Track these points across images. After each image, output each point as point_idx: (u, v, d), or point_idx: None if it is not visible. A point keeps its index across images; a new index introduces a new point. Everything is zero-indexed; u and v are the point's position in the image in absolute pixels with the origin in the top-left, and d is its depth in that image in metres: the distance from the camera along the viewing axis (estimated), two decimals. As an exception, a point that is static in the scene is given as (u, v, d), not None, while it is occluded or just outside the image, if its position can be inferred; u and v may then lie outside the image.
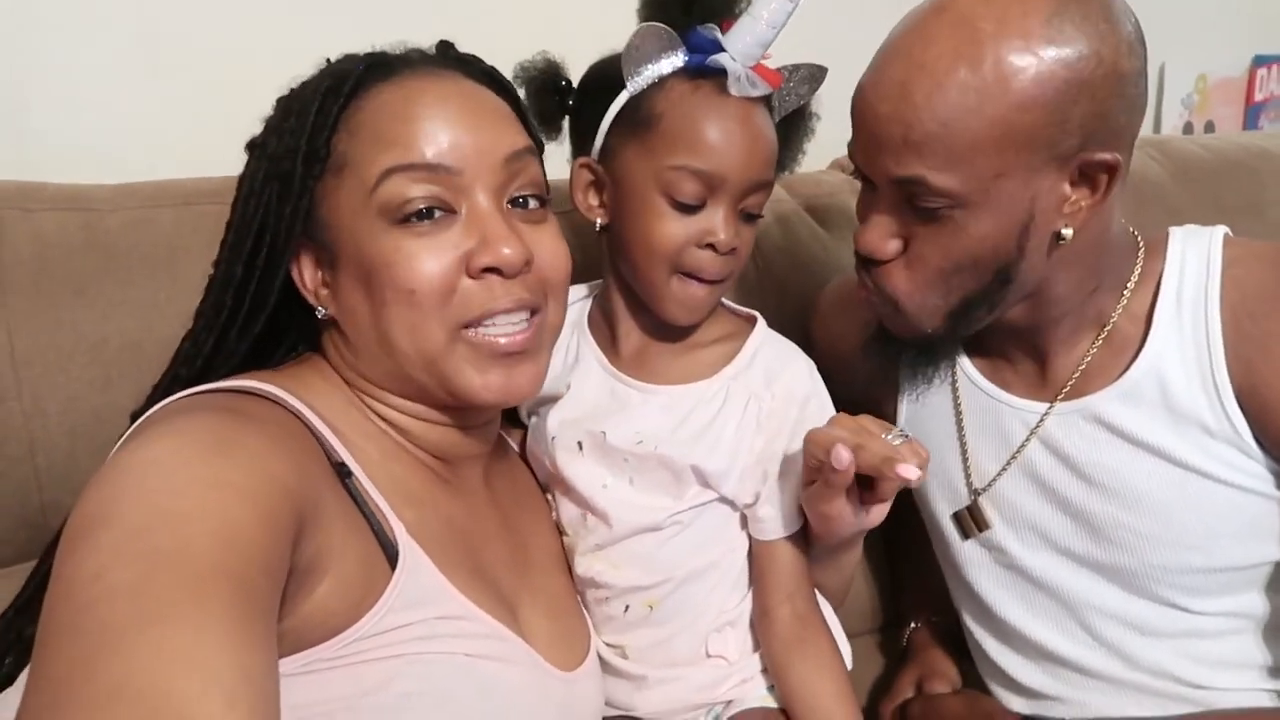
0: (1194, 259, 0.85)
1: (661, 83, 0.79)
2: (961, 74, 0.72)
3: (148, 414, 0.67)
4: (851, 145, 0.83)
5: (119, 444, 0.64)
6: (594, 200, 0.85)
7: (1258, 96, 1.95)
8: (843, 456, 0.72)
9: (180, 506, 0.56)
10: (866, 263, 0.84)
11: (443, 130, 0.70)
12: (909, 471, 0.70)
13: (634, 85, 0.80)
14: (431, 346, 0.71)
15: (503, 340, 0.72)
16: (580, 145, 0.86)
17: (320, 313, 0.74)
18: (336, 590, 0.64)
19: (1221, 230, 0.87)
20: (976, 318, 0.84)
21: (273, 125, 0.74)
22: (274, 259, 0.72)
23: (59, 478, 0.87)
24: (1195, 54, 1.88)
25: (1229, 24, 1.91)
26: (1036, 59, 0.71)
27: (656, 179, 0.79)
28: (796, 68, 0.83)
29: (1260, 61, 1.94)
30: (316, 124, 0.71)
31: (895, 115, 0.75)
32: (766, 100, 0.82)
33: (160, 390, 0.73)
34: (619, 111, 0.81)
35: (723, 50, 0.77)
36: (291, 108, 0.73)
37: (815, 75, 0.84)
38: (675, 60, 0.79)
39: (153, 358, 0.77)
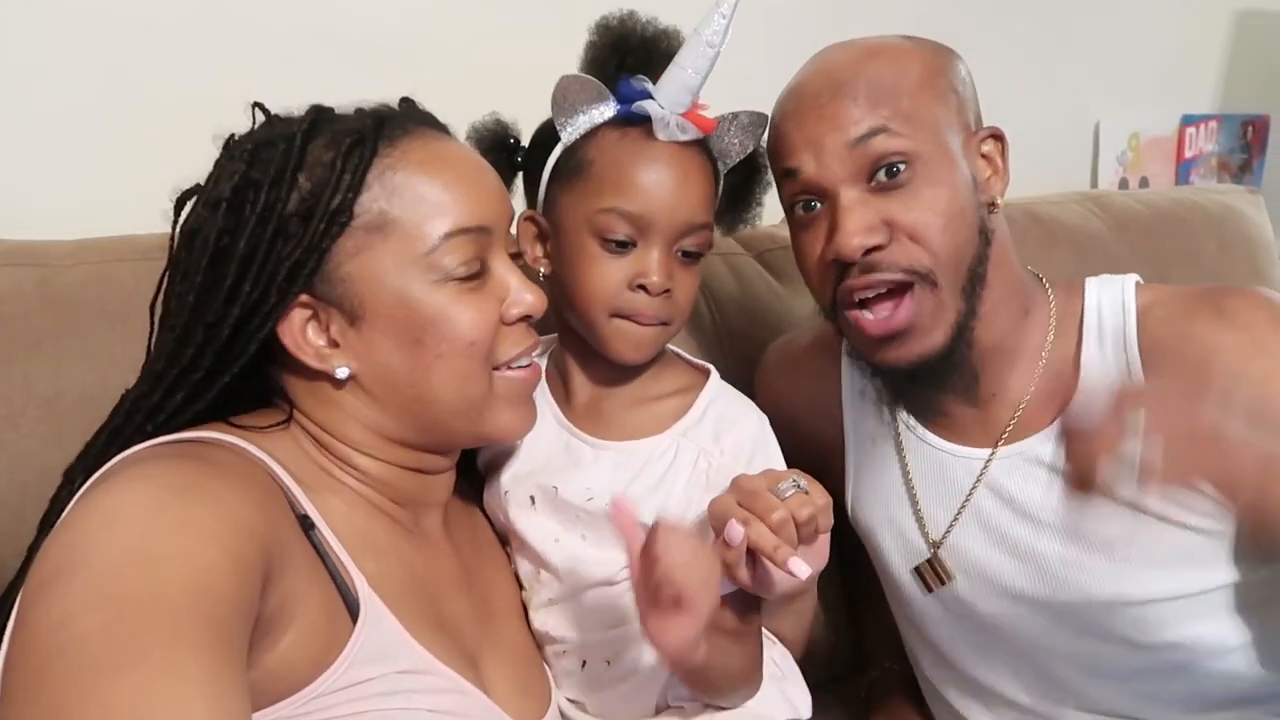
0: (1109, 305, 0.89)
1: (593, 132, 0.82)
2: (882, 57, 0.84)
3: (109, 464, 0.66)
4: (787, 165, 0.84)
5: (78, 495, 0.63)
6: (539, 251, 0.87)
7: (1187, 153, 2.04)
8: (734, 534, 0.70)
9: (149, 550, 0.56)
10: (864, 267, 0.82)
11: (478, 193, 0.75)
12: (797, 569, 0.67)
13: (567, 136, 0.83)
14: (477, 391, 0.75)
15: (527, 375, 0.79)
16: (531, 200, 0.89)
17: (342, 373, 0.72)
18: (300, 643, 0.63)
19: (1133, 278, 0.91)
20: (979, 301, 0.84)
21: (256, 181, 0.70)
22: (257, 314, 0.70)
23: (7, 535, 0.85)
24: (1128, 114, 1.96)
25: (1158, 86, 2.00)
26: (928, 52, 0.86)
27: (589, 223, 0.81)
28: (735, 115, 0.85)
29: (1188, 121, 2.03)
30: (341, 183, 0.70)
31: (843, 85, 0.82)
32: (705, 148, 0.84)
33: (99, 446, 0.71)
34: (555, 163, 0.84)
35: (651, 98, 0.80)
36: (284, 165, 0.70)
37: (756, 121, 0.86)
38: (606, 110, 0.82)
39: (107, 412, 0.75)
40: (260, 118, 0.77)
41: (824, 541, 0.75)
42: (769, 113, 0.87)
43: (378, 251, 0.71)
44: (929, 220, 0.81)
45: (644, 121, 0.80)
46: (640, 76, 0.81)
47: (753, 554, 0.70)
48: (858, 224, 0.80)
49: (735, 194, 0.90)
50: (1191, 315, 0.84)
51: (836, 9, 1.52)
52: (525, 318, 0.77)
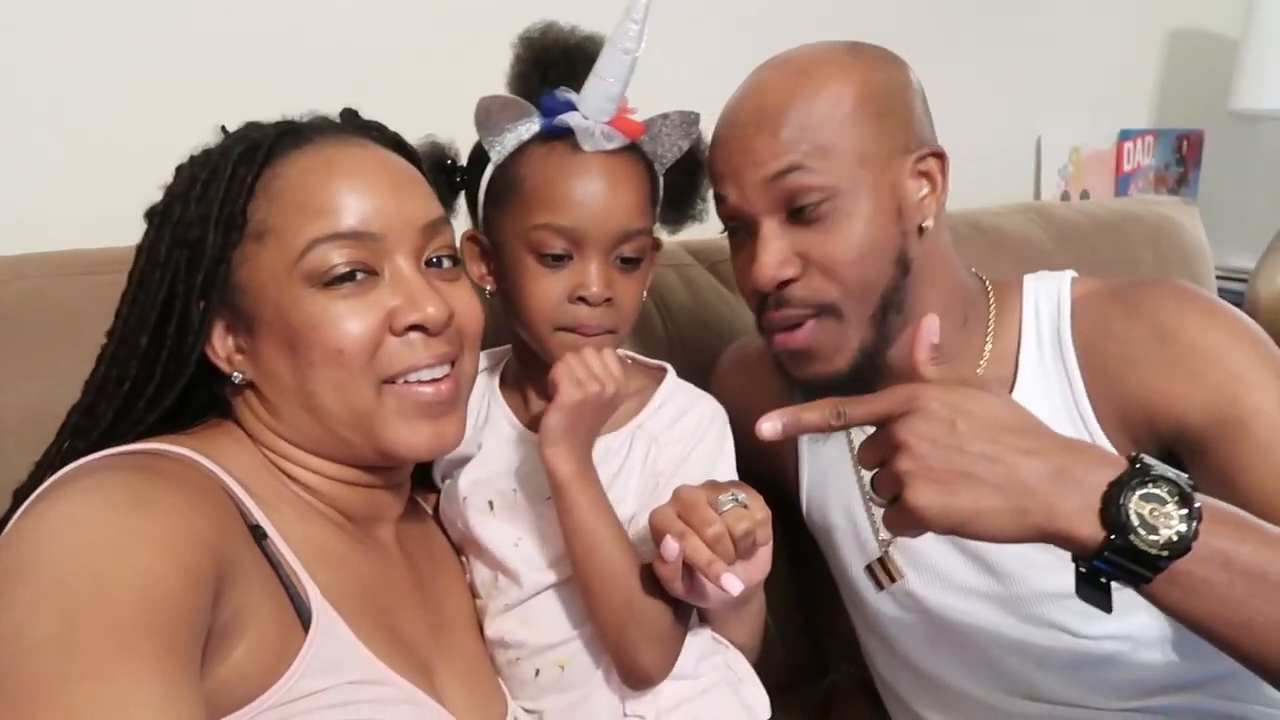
0: (1046, 301, 0.91)
1: (521, 149, 0.82)
2: (813, 83, 0.84)
3: (57, 475, 0.65)
4: (716, 190, 0.87)
5: (23, 508, 0.62)
6: (483, 269, 0.88)
7: (1126, 167, 2.10)
8: (669, 550, 0.71)
9: (100, 560, 0.55)
10: (777, 300, 0.85)
11: (364, 198, 0.72)
12: (729, 585, 0.69)
13: (496, 155, 0.83)
14: (360, 403, 0.72)
15: (428, 391, 0.74)
16: (474, 219, 0.89)
17: (237, 378, 0.73)
18: (252, 653, 0.62)
19: (1069, 273, 0.93)
20: (893, 326, 0.86)
21: (177, 193, 0.73)
22: (187, 329, 0.71)
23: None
24: (1068, 129, 2.02)
25: (1097, 102, 2.06)
26: (867, 71, 0.86)
27: (524, 240, 0.82)
28: (665, 116, 0.85)
29: (1126, 135, 2.09)
30: (231, 191, 0.71)
31: (766, 117, 0.83)
32: (638, 152, 0.84)
33: (47, 465, 0.71)
34: (488, 182, 0.85)
35: (575, 110, 0.80)
36: (198, 175, 0.72)
37: (688, 120, 0.86)
38: (531, 125, 0.82)
39: (50, 428, 0.74)
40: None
41: (764, 554, 0.77)
42: (701, 110, 0.87)
43: (260, 260, 0.71)
44: (840, 253, 0.83)
45: (570, 134, 0.80)
46: (564, 89, 0.81)
47: (689, 565, 0.71)
48: (771, 258, 0.83)
49: (676, 193, 0.90)
50: (1109, 309, 0.88)
51: (773, 9, 1.55)
52: (418, 328, 0.73)
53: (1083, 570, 0.67)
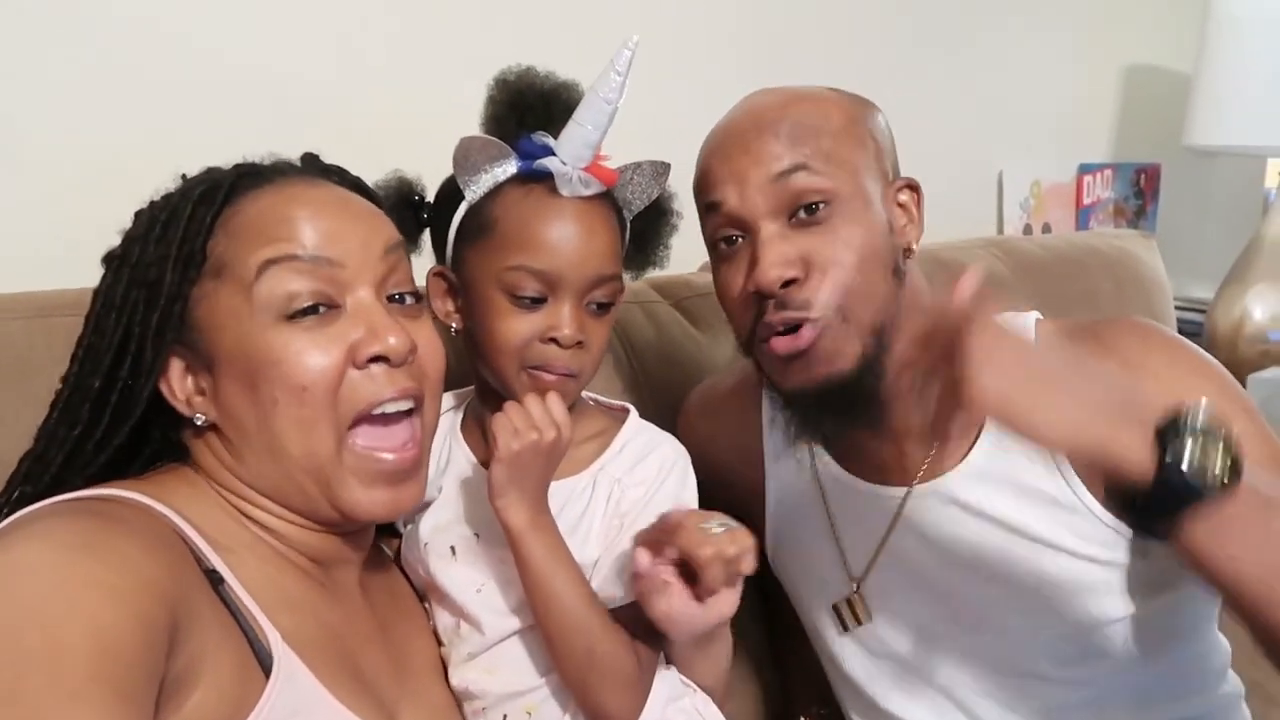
0: None
1: (497, 190, 0.82)
2: (806, 102, 0.87)
3: (5, 522, 0.64)
4: (711, 198, 0.86)
5: None
6: (450, 306, 0.87)
7: (1086, 200, 2.13)
8: (641, 563, 0.72)
9: (50, 609, 0.54)
10: (779, 303, 0.83)
11: (321, 225, 0.71)
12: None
13: (471, 194, 0.83)
14: (322, 449, 0.70)
15: (390, 457, 0.73)
16: (440, 256, 0.89)
17: (200, 420, 0.72)
18: (210, 702, 0.61)
19: (1034, 314, 0.94)
20: (889, 338, 0.86)
21: (135, 236, 0.73)
22: (140, 369, 0.70)
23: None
24: (1028, 163, 2.05)
25: (1057, 137, 2.10)
26: (849, 102, 0.90)
27: (497, 280, 0.81)
28: (638, 165, 0.86)
29: (1085, 169, 2.13)
30: (190, 230, 0.70)
31: (768, 124, 0.84)
32: (609, 198, 0.85)
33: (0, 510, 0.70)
34: (461, 221, 0.84)
35: (553, 155, 0.81)
36: (157, 217, 0.72)
37: (658, 170, 0.87)
38: (508, 167, 0.82)
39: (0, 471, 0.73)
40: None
41: (735, 589, 0.77)
42: (669, 161, 0.88)
43: (219, 296, 0.70)
44: (844, 257, 0.83)
45: (547, 177, 0.81)
46: (541, 133, 0.82)
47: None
48: (776, 257, 0.82)
49: (641, 239, 0.91)
50: (1075, 345, 0.87)
51: (740, 59, 1.57)
52: (381, 359, 0.71)
53: (1137, 500, 0.69)
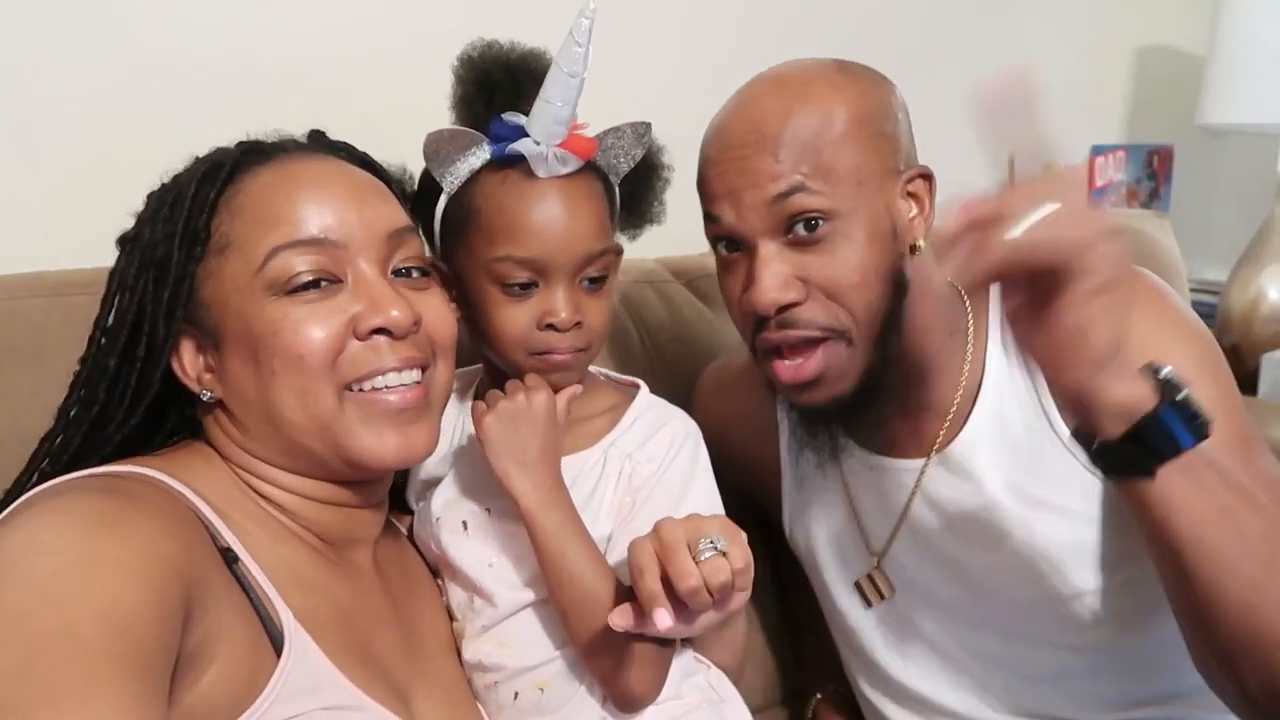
0: None
1: (473, 178, 0.81)
2: (809, 104, 0.83)
3: (22, 499, 0.64)
4: (709, 210, 0.85)
5: None
6: (446, 297, 0.85)
7: (1099, 182, 2.12)
8: (618, 624, 0.71)
9: (64, 587, 0.54)
10: (780, 322, 0.83)
11: (326, 207, 0.72)
12: (660, 619, 0.67)
13: (448, 186, 0.81)
14: (322, 410, 0.70)
15: (393, 398, 0.73)
16: (431, 248, 0.87)
17: (206, 395, 0.73)
18: (222, 679, 0.61)
19: None
20: (893, 347, 0.85)
21: (145, 217, 0.74)
22: (155, 347, 0.71)
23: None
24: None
25: (1069, 119, 2.09)
26: (859, 91, 0.85)
27: (486, 271, 0.80)
28: (617, 129, 0.83)
29: (1098, 151, 2.11)
30: (194, 207, 0.71)
31: (765, 138, 0.81)
32: (593, 167, 0.83)
33: (18, 493, 0.70)
34: (444, 213, 0.83)
35: (526, 135, 0.78)
36: (165, 198, 0.73)
37: (639, 130, 0.84)
38: (481, 154, 0.80)
39: (16, 451, 0.74)
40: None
41: (741, 594, 0.73)
42: (652, 118, 0.86)
43: (223, 273, 0.71)
44: (844, 277, 0.82)
45: (522, 160, 0.79)
46: (512, 113, 0.80)
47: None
48: (773, 280, 0.81)
49: (633, 201, 0.88)
50: None
51: (741, 32, 1.55)
52: (383, 331, 0.72)
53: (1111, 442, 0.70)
